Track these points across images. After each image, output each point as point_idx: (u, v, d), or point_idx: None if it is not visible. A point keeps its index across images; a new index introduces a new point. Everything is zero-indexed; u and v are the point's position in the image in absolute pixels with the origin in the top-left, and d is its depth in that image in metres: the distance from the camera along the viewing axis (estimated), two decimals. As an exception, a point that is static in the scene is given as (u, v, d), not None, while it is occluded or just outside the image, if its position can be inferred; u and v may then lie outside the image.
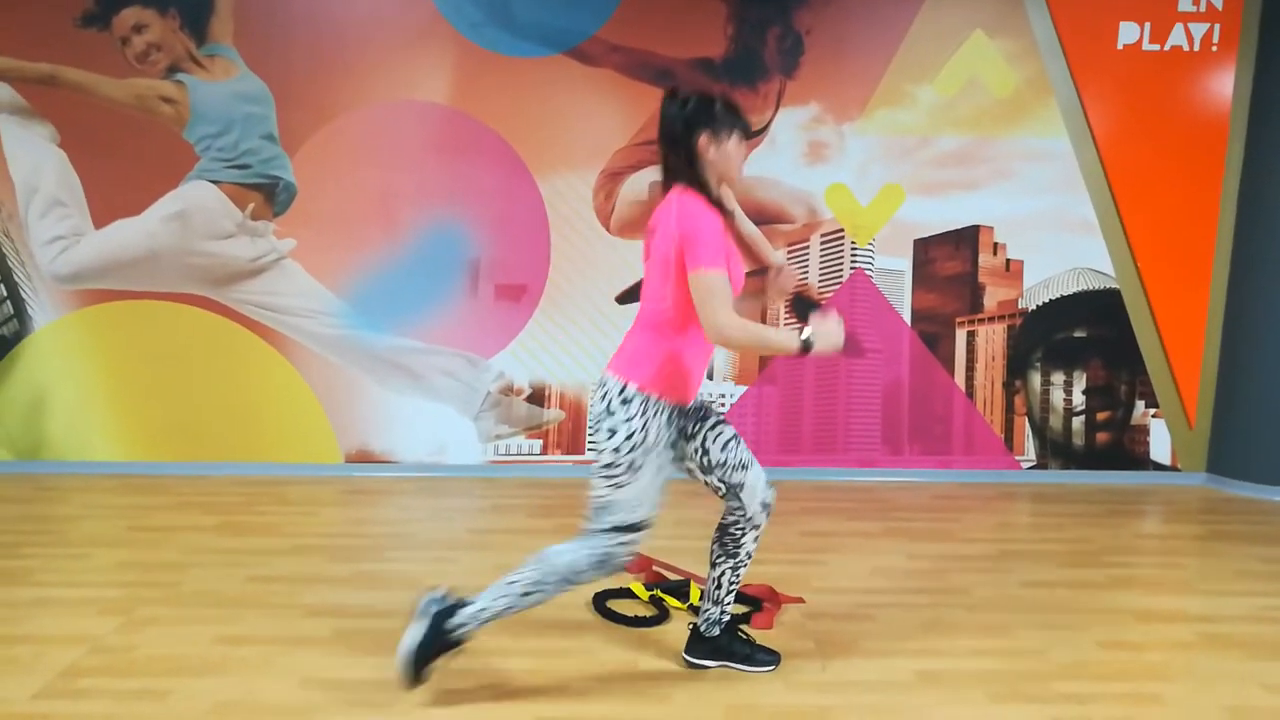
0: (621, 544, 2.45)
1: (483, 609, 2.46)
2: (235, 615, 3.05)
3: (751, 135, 2.49)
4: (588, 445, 2.47)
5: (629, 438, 2.38)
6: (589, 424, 2.46)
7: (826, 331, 2.38)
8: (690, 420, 2.55)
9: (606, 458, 2.40)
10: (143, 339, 4.80)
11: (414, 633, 2.44)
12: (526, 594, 2.47)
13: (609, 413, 2.40)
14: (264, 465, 4.88)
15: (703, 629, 2.73)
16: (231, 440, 4.89)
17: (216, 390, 4.85)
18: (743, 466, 2.57)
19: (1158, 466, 5.05)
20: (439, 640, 2.44)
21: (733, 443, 2.57)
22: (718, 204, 2.41)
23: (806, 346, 2.36)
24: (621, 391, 2.39)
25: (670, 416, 2.43)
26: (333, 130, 4.74)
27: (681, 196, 2.39)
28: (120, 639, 2.84)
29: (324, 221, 4.77)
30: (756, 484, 2.59)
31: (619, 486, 2.41)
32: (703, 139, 2.40)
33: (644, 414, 2.38)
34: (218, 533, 3.92)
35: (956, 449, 5.02)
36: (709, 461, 2.55)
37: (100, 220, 4.72)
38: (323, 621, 3.02)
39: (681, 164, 2.42)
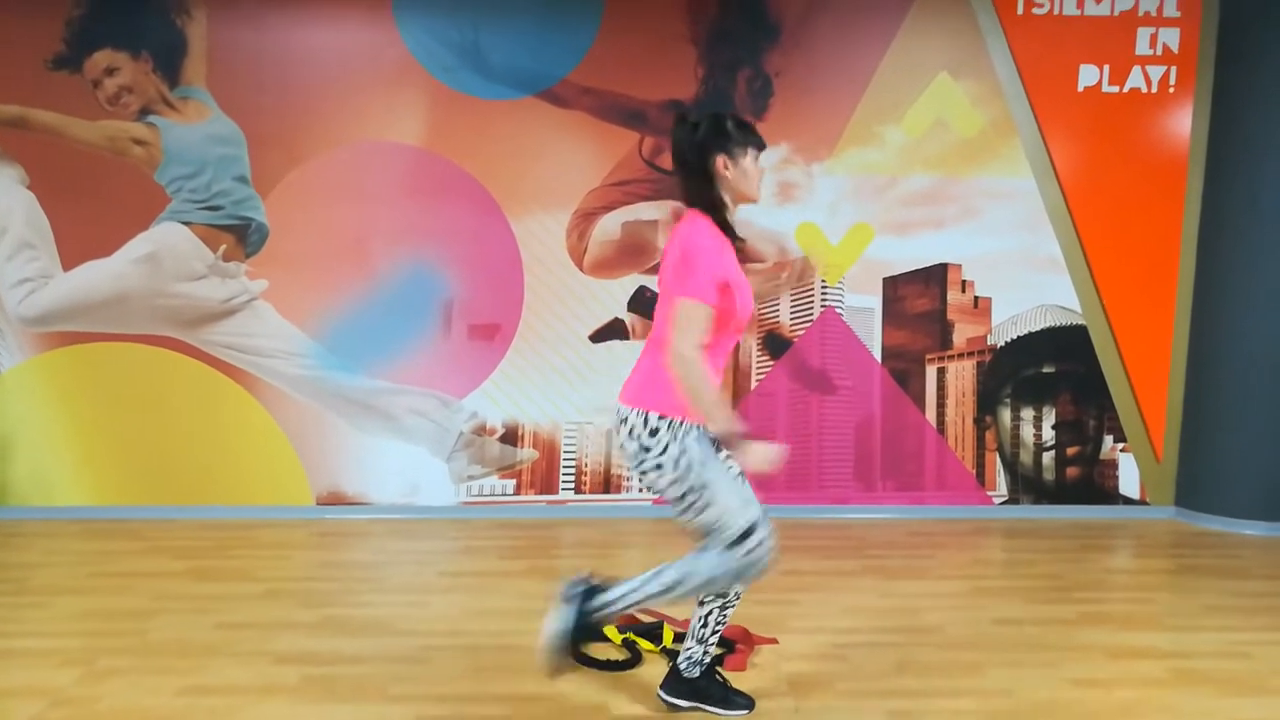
0: (749, 552, 2.39)
1: (621, 596, 2.45)
2: (202, 664, 3.00)
3: (764, 148, 2.48)
4: (636, 478, 2.45)
5: (677, 464, 2.36)
6: (629, 460, 2.42)
7: (753, 452, 2.33)
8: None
9: (672, 491, 2.37)
10: (112, 381, 4.75)
11: (556, 617, 2.43)
12: (667, 590, 2.42)
13: (644, 450, 2.38)
14: (235, 508, 4.82)
15: (683, 668, 2.70)
16: (202, 483, 4.83)
17: (187, 432, 4.80)
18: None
19: (1127, 500, 5.09)
20: (580, 624, 2.44)
21: (740, 478, 2.56)
22: (728, 228, 2.42)
23: (724, 440, 2.34)
24: (645, 423, 2.37)
25: (700, 431, 2.41)
26: (305, 172, 4.75)
27: (691, 221, 2.40)
28: (82, 691, 2.79)
29: (296, 262, 4.77)
30: None
31: (704, 508, 2.37)
32: (720, 161, 2.40)
33: (676, 437, 2.36)
34: (186, 578, 3.86)
35: (929, 485, 5.04)
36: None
37: (70, 262, 4.68)
38: (292, 669, 2.98)
39: (696, 187, 2.43)
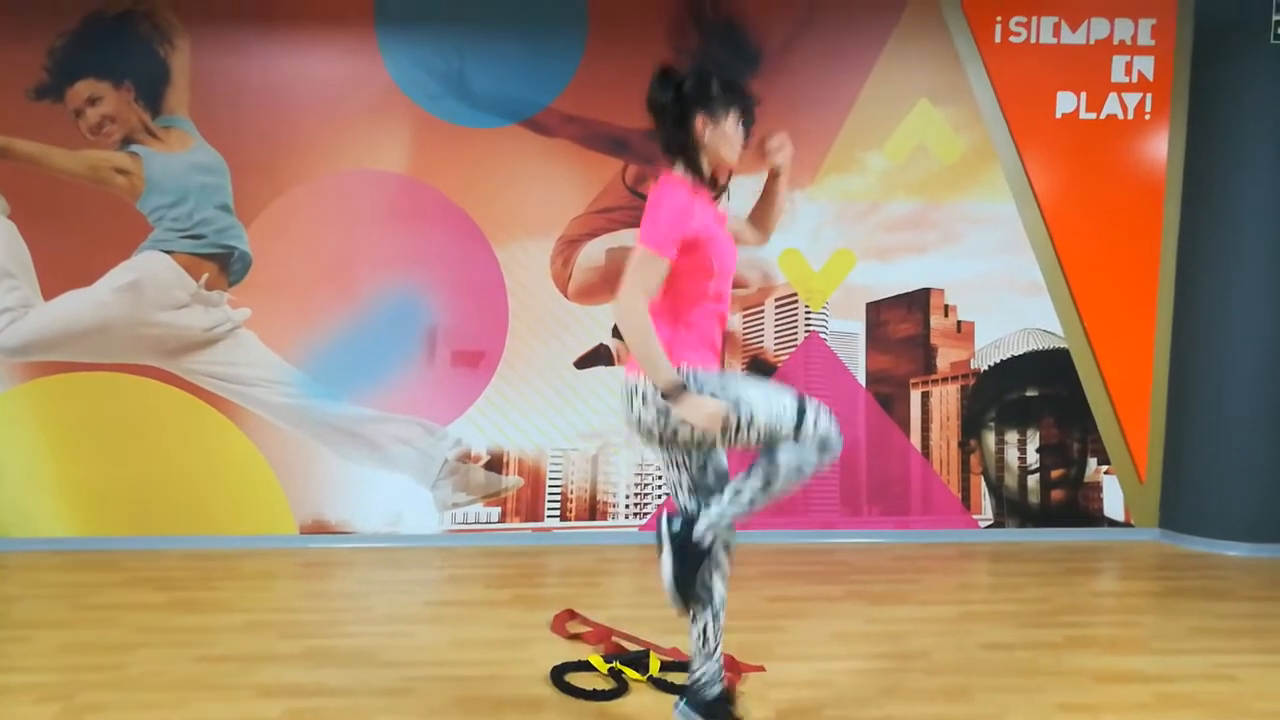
0: (815, 428, 2.36)
1: (721, 514, 2.42)
2: (183, 698, 2.96)
3: (751, 113, 2.43)
4: (668, 447, 2.45)
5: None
6: (654, 431, 2.41)
7: (695, 406, 2.30)
8: None
9: (711, 428, 2.32)
10: (93, 411, 4.71)
11: (666, 560, 2.43)
12: (765, 488, 2.39)
13: (663, 413, 2.35)
14: (217, 538, 4.78)
15: (702, 690, 2.65)
16: (184, 513, 4.79)
17: (169, 462, 4.76)
18: (717, 489, 2.56)
19: (1111, 523, 5.11)
20: (691, 556, 2.42)
21: (724, 476, 2.57)
22: (706, 179, 2.39)
23: (667, 393, 2.30)
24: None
25: (705, 369, 2.41)
26: (289, 200, 4.75)
27: (663, 179, 2.37)
28: (60, 727, 2.75)
29: (280, 291, 4.75)
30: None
31: (752, 420, 2.34)
32: (699, 120, 2.35)
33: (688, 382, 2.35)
34: (167, 610, 3.82)
35: (914, 509, 5.05)
36: (696, 482, 2.54)
37: (50, 292, 4.66)
38: (274, 702, 2.94)
39: (672, 144, 2.39)
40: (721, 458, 2.63)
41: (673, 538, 2.44)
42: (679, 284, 2.39)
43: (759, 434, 2.37)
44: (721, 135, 2.38)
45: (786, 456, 2.38)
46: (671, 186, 2.35)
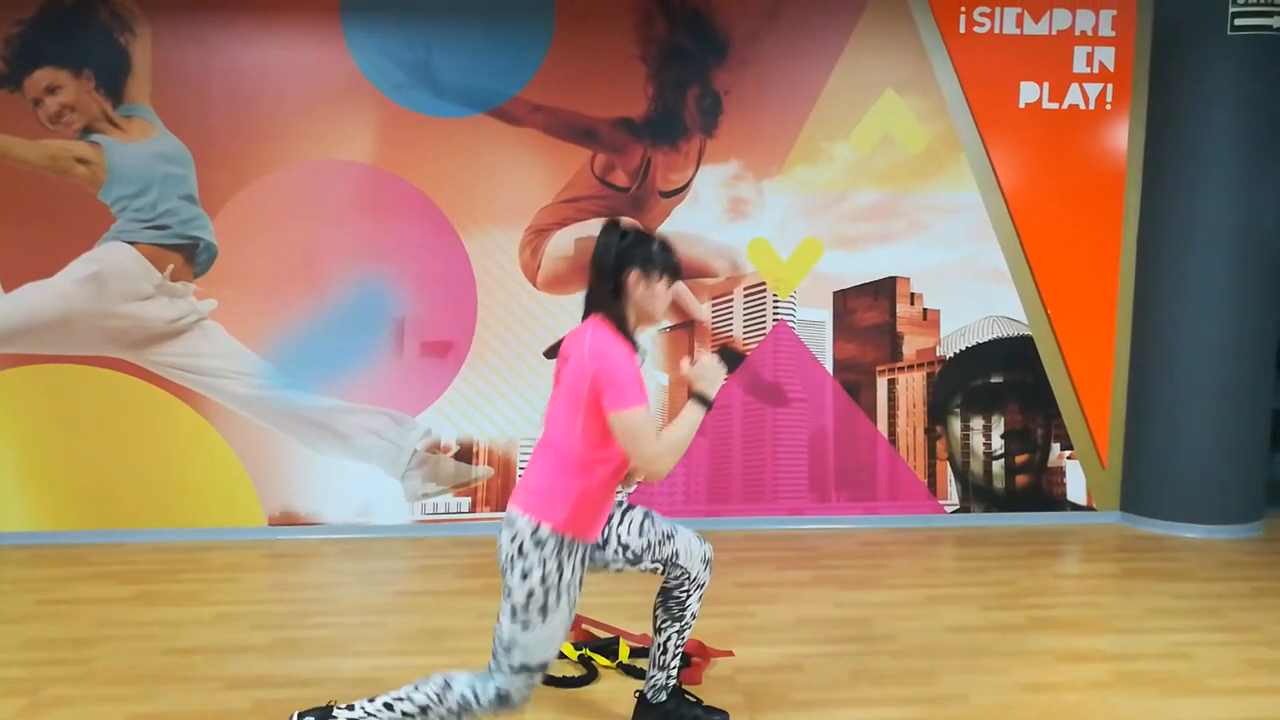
0: (526, 684, 2.31)
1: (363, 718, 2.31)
2: (151, 692, 2.95)
3: (680, 278, 2.45)
4: (505, 583, 2.35)
5: (543, 580, 2.27)
6: (500, 563, 2.35)
7: (703, 373, 2.35)
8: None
9: (519, 598, 2.27)
10: (56, 403, 4.66)
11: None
12: (420, 713, 2.29)
13: (521, 554, 2.28)
14: (184, 531, 4.75)
15: (649, 695, 2.70)
16: (150, 506, 4.75)
17: (135, 455, 4.72)
18: (667, 538, 2.56)
19: (1074, 507, 5.20)
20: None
21: (646, 523, 2.54)
22: (629, 338, 2.37)
23: (704, 400, 2.33)
24: (535, 533, 2.28)
25: (583, 555, 2.35)
26: (254, 190, 4.71)
27: (595, 330, 2.33)
28: (26, 722, 2.73)
29: (246, 282, 4.72)
30: (690, 546, 2.59)
31: (528, 627, 2.27)
32: (633, 275, 2.35)
33: (558, 554, 2.28)
34: (134, 604, 3.79)
35: (882, 495, 5.11)
36: (633, 554, 2.55)
37: (10, 284, 4.59)
38: (244, 693, 2.94)
39: (604, 295, 2.37)
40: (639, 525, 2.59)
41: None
42: (595, 430, 2.31)
43: (513, 640, 2.29)
44: (651, 293, 2.39)
45: (463, 690, 2.30)
46: (607, 341, 2.31)
